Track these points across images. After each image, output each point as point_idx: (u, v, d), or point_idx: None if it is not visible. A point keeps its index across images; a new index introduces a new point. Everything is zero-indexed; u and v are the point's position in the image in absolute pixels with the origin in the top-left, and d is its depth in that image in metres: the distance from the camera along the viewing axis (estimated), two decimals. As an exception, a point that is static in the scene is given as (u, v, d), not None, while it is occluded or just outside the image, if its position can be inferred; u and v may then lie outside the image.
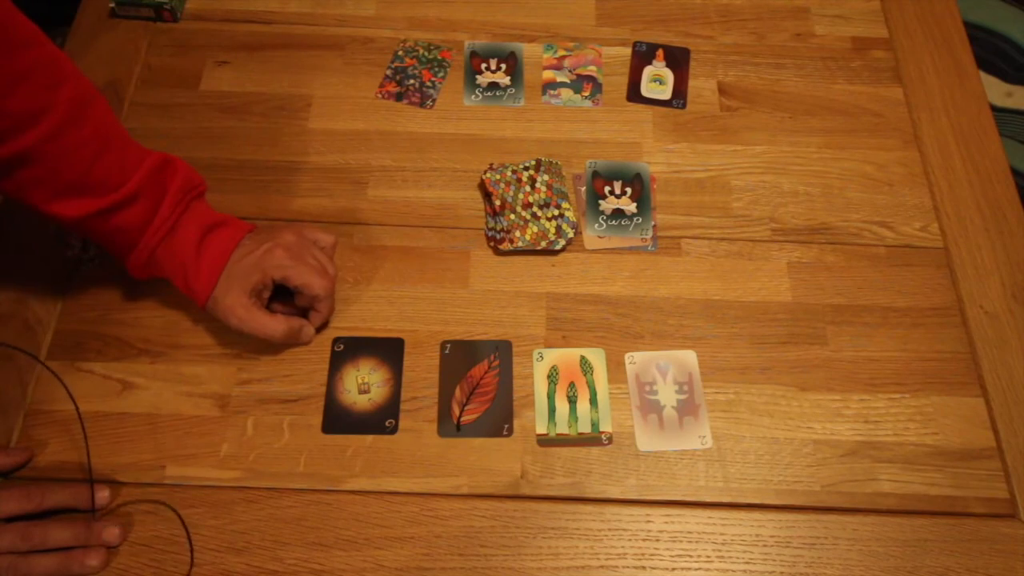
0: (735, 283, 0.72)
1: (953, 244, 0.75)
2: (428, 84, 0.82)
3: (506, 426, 0.65)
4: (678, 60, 0.86)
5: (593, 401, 0.66)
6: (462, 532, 0.61)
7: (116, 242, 0.62)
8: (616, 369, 0.68)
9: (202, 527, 0.60)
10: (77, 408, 0.62)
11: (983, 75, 1.36)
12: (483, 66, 0.84)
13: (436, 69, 0.84)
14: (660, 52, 0.86)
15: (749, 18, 0.89)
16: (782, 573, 0.60)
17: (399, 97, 0.82)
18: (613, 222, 0.75)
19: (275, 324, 0.64)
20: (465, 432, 0.65)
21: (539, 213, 0.73)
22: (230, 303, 0.62)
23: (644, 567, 0.60)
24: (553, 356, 0.68)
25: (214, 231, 0.64)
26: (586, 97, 0.83)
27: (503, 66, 0.84)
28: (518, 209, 0.73)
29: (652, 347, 0.69)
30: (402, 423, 0.65)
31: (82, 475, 0.61)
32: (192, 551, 0.59)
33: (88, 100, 0.59)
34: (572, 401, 0.66)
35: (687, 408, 0.66)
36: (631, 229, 0.75)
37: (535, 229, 0.72)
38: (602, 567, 0.60)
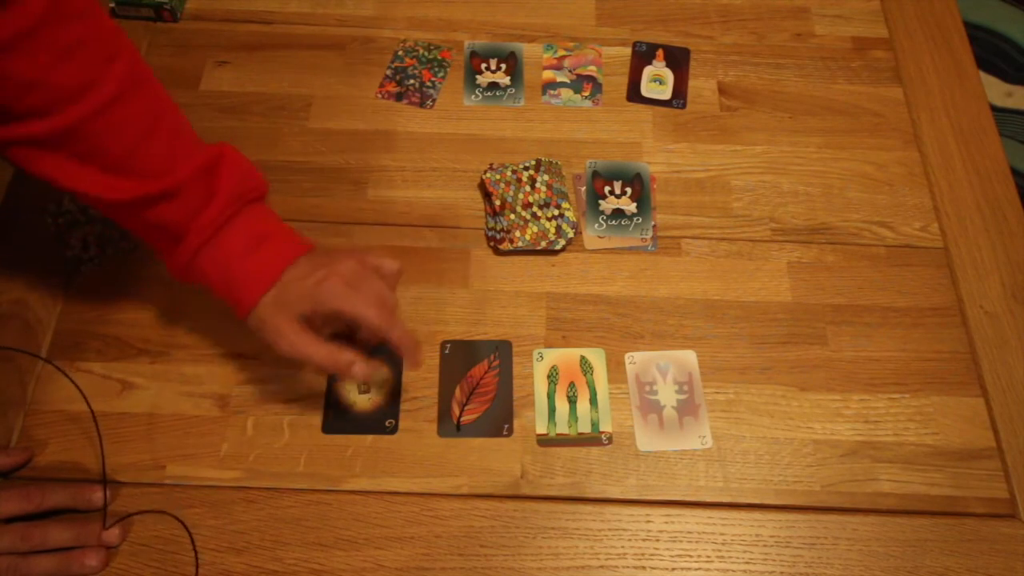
0: (735, 283, 0.72)
1: (953, 244, 0.75)
2: (428, 84, 0.82)
3: (506, 426, 0.65)
4: (678, 60, 0.86)
5: (593, 401, 0.66)
6: (462, 532, 0.61)
7: (157, 239, 0.58)
8: (616, 369, 0.68)
9: (202, 527, 0.60)
10: (90, 407, 0.63)
11: (983, 75, 1.36)
12: (483, 66, 0.84)
13: (436, 69, 0.84)
14: (660, 52, 0.86)
15: (749, 18, 0.89)
16: (782, 573, 0.60)
17: (399, 97, 0.82)
18: (613, 222, 0.75)
19: (319, 350, 0.57)
20: (465, 432, 0.65)
21: (539, 213, 0.73)
22: (280, 325, 0.57)
23: (644, 567, 0.60)
24: (553, 356, 0.68)
25: (266, 243, 0.58)
26: (586, 97, 0.83)
27: (503, 66, 0.84)
28: (518, 209, 0.73)
29: (652, 347, 0.69)
30: (402, 423, 0.65)
31: (82, 475, 0.61)
32: (197, 558, 0.59)
33: (142, 80, 0.55)
34: (572, 401, 0.66)
35: (687, 408, 0.66)
36: (631, 229, 0.75)
37: (535, 229, 0.72)
38: (602, 567, 0.60)
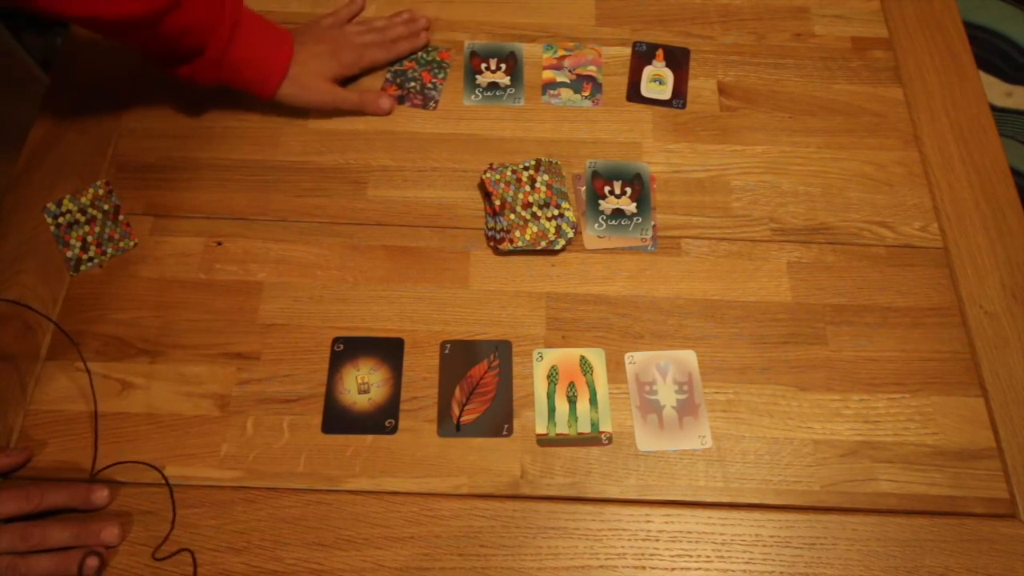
0: (735, 283, 0.72)
1: (953, 244, 0.75)
2: (429, 86, 0.82)
3: (506, 426, 0.65)
4: (678, 60, 0.86)
5: (593, 401, 0.66)
6: (462, 532, 0.61)
7: (179, 53, 0.70)
8: (616, 369, 0.68)
9: (202, 527, 0.60)
10: (95, 396, 0.63)
11: (983, 75, 1.36)
12: (483, 66, 0.84)
13: (436, 70, 0.84)
14: (660, 52, 0.86)
15: (749, 18, 0.89)
16: (782, 573, 0.60)
17: (401, 100, 0.82)
18: (613, 222, 0.75)
19: (351, 95, 0.78)
20: (465, 432, 0.65)
21: (539, 213, 0.73)
22: (318, 84, 0.76)
23: (644, 567, 0.60)
24: (553, 356, 0.68)
25: (270, 26, 0.74)
26: (586, 97, 0.83)
27: (503, 66, 0.84)
28: (518, 209, 0.73)
29: (652, 347, 0.69)
30: (402, 423, 0.65)
31: (81, 475, 0.61)
32: (174, 511, 0.60)
33: None
34: (572, 401, 0.66)
35: (687, 408, 0.66)
36: (631, 229, 0.75)
37: (535, 229, 0.72)
38: (602, 567, 0.60)
